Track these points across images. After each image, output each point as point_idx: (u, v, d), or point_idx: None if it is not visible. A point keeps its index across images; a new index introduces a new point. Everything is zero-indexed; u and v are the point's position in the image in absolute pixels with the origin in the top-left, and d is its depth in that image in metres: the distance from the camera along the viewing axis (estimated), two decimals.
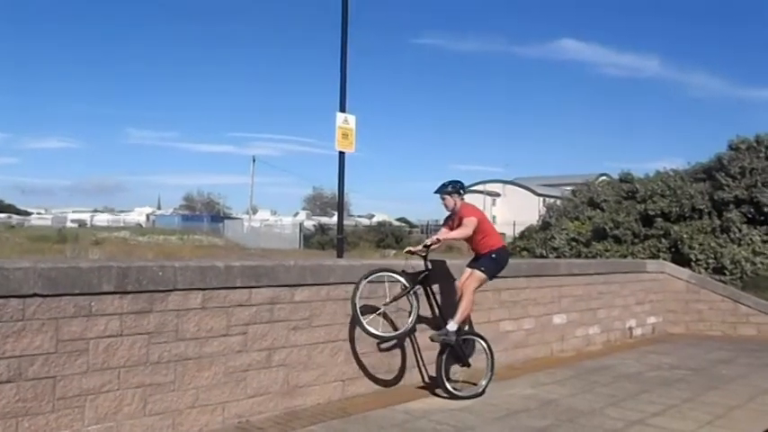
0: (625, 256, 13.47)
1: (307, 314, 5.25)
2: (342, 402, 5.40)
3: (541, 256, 14.92)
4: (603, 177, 23.24)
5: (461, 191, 6.15)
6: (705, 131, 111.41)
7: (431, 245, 5.80)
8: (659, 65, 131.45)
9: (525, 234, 18.07)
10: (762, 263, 12.27)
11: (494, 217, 68.75)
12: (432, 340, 5.89)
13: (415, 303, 5.69)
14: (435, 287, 6.10)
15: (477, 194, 73.07)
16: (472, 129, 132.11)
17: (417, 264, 5.97)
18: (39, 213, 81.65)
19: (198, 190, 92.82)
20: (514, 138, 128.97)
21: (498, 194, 75.68)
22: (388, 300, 5.61)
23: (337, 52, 9.50)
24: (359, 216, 68.07)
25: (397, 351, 5.99)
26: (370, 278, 5.49)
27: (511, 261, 6.67)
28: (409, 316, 5.69)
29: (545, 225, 17.12)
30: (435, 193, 6.11)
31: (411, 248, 6.07)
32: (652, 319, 10.31)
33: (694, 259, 12.45)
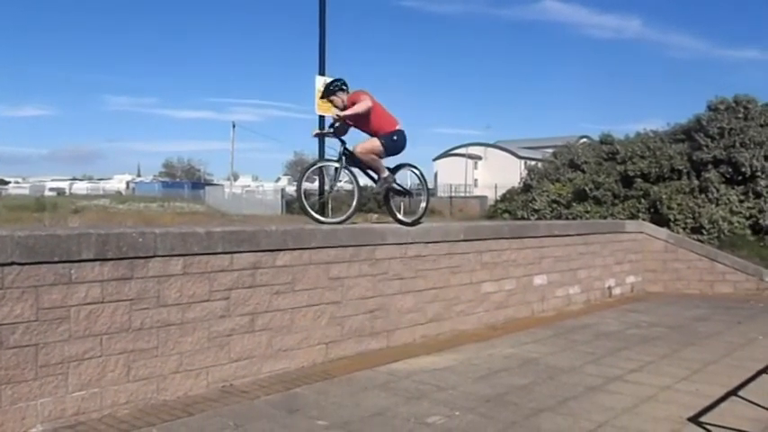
0: (605, 217, 13.58)
1: (289, 278, 5.26)
2: (325, 365, 5.45)
3: (523, 218, 15.00)
4: (584, 139, 23.31)
5: (344, 86, 6.49)
6: (685, 92, 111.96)
7: (334, 123, 6.45)
8: (641, 25, 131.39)
9: (507, 196, 18.13)
10: (738, 222, 12.43)
11: (475, 180, 69.01)
12: (377, 193, 6.85)
13: (354, 182, 6.36)
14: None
15: (458, 158, 73.12)
16: (453, 92, 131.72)
17: None
18: (16, 182, 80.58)
19: (178, 157, 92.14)
20: (495, 100, 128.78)
21: (480, 157, 75.73)
22: (330, 185, 6.37)
23: (316, 15, 9.38)
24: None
25: (380, 313, 6.04)
26: (311, 169, 6.35)
27: (492, 223, 6.92)
28: (353, 197, 6.42)
29: (526, 187, 17.17)
30: (322, 98, 6.65)
31: (318, 132, 6.85)
32: (631, 279, 10.46)
33: (673, 219, 12.58)
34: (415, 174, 6.99)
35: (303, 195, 6.23)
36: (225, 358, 4.80)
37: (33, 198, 43.53)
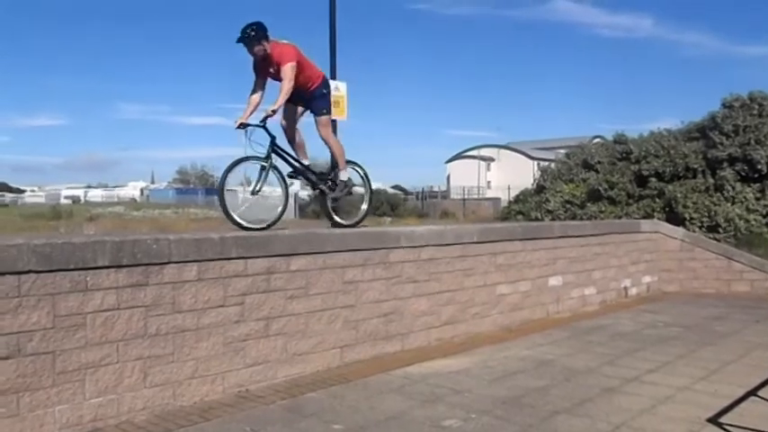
0: (620, 217, 13.52)
1: (303, 283, 5.27)
2: (341, 369, 5.45)
3: (537, 219, 14.95)
4: (597, 139, 23.15)
5: (267, 32, 5.77)
6: (699, 90, 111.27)
7: (267, 118, 5.75)
8: (653, 24, 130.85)
9: (520, 198, 18.08)
10: (755, 220, 12.33)
11: (488, 182, 68.86)
12: (337, 200, 6.50)
13: (282, 183, 5.90)
14: (287, 148, 6.20)
15: (471, 159, 72.99)
16: (464, 94, 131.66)
17: None
18: (32, 191, 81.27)
19: (191, 163, 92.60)
20: (507, 101, 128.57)
21: (492, 159, 75.58)
22: (255, 187, 5.73)
23: (326, 19, 9.41)
24: (353, 185, 67.86)
25: (395, 316, 6.03)
26: (233, 170, 5.54)
27: (506, 224, 6.83)
28: (283, 200, 5.97)
29: (540, 188, 17.11)
30: (238, 42, 5.72)
31: (243, 121, 5.77)
32: (647, 279, 10.38)
33: (688, 218, 12.50)
34: (358, 172, 6.69)
35: (225, 196, 5.62)
36: (240, 363, 4.81)
37: (49, 206, 43.85)
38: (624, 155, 15.34)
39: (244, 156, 5.67)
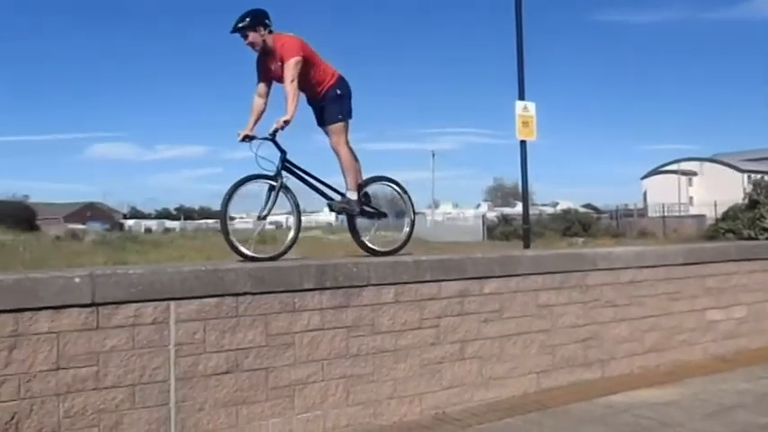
0: None
1: (497, 306, 5.22)
2: (538, 395, 5.31)
3: (750, 238, 13.61)
4: None
5: (267, 20, 4.95)
6: None
7: (277, 130, 4.90)
8: None
9: (729, 214, 16.59)
10: None
11: (690, 198, 64.13)
12: (331, 210, 5.45)
13: (294, 205, 5.02)
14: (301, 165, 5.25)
15: (670, 174, 68.54)
16: (661, 105, 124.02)
17: None
18: (241, 218, 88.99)
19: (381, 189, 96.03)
20: (710, 111, 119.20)
21: (695, 173, 70.35)
22: (263, 211, 4.94)
23: (513, 38, 9.39)
24: (542, 205, 66.44)
25: (594, 342, 5.77)
26: (237, 191, 4.73)
27: (717, 244, 6.23)
28: (295, 225, 5.06)
29: (752, 203, 15.56)
30: (232, 32, 4.94)
31: (248, 133, 4.98)
32: None
33: None
34: (395, 189, 5.70)
35: (228, 221, 4.90)
36: (437, 385, 4.86)
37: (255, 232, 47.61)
38: None
39: (250, 174, 4.90)
